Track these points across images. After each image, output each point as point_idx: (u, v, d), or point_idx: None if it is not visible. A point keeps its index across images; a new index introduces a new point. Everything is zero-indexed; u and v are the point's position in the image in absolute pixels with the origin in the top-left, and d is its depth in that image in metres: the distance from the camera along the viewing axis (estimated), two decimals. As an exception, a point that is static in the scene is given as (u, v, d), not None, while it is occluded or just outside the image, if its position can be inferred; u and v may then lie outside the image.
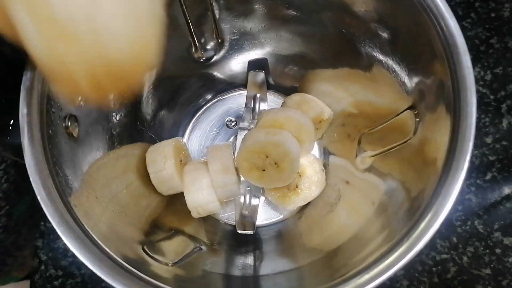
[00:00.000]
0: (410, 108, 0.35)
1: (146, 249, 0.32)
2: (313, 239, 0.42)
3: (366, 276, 0.27)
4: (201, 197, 0.41)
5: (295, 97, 0.47)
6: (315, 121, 0.45)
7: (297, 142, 0.41)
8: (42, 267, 0.46)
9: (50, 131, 0.29)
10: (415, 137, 0.34)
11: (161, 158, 0.42)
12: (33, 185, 0.27)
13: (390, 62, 0.36)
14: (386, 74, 0.37)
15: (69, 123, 0.30)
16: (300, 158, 0.42)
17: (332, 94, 0.47)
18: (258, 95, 0.49)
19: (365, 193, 0.40)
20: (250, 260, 0.41)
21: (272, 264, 0.40)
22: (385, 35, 0.35)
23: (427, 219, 0.27)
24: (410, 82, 0.34)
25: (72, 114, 0.31)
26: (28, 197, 0.49)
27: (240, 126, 0.48)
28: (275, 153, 0.39)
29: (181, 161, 0.44)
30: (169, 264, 0.33)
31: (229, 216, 0.47)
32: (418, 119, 0.34)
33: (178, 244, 0.38)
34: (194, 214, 0.42)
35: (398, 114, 0.37)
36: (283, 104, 0.49)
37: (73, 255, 0.27)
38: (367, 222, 0.35)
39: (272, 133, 0.40)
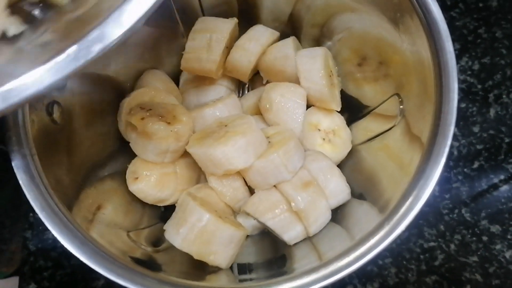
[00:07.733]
0: (395, 94, 0.35)
1: (131, 235, 0.32)
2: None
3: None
4: None
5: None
6: None
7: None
8: (31, 259, 0.46)
9: (33, 117, 0.29)
10: (400, 124, 0.34)
11: None
12: (15, 169, 0.27)
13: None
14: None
15: (52, 110, 0.30)
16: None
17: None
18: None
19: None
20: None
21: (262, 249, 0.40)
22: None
23: (408, 202, 0.28)
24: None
25: (55, 100, 0.31)
26: (9, 188, 0.48)
27: None
28: None
29: None
30: (155, 250, 0.33)
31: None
32: (402, 106, 0.34)
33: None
34: None
35: (384, 101, 0.37)
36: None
37: (62, 246, 0.27)
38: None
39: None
